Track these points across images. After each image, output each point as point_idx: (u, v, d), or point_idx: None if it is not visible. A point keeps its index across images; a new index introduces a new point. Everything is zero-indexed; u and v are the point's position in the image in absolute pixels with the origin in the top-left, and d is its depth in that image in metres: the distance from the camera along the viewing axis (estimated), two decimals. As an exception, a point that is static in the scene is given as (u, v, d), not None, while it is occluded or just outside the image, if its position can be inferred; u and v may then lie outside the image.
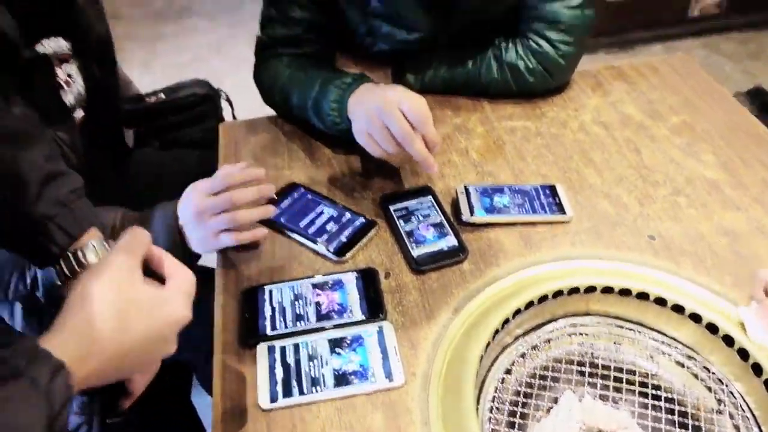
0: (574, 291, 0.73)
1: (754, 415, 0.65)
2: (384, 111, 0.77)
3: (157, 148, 1.22)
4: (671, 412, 0.66)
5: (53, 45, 0.85)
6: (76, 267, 0.60)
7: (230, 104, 1.34)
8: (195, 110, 1.27)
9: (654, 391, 0.69)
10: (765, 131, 0.95)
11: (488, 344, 0.67)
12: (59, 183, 0.61)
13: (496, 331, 0.68)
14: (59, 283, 0.61)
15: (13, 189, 0.58)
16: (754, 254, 0.77)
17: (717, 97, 1.04)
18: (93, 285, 0.46)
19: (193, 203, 0.77)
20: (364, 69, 1.02)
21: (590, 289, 0.73)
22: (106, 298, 0.45)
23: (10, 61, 0.76)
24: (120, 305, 0.46)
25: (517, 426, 0.65)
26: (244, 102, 1.29)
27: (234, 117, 1.33)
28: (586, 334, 0.74)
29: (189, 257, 0.79)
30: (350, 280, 0.75)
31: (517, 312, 0.71)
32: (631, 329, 0.73)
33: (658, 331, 0.72)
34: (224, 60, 2.65)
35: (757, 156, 0.91)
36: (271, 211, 0.79)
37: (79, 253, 0.60)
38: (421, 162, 0.79)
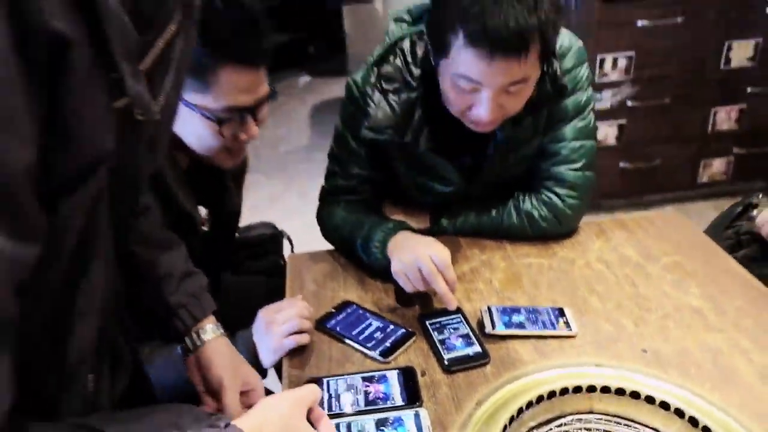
0: (577, 389, 0.88)
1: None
2: (418, 258, 1.01)
3: (229, 276, 1.45)
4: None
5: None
6: (198, 343, 0.80)
7: (290, 242, 1.58)
8: (262, 246, 1.52)
9: (648, 477, 0.81)
10: (741, 270, 1.13)
11: (505, 428, 0.82)
12: (192, 279, 0.84)
13: (512, 419, 0.84)
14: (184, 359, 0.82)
15: (159, 281, 0.80)
16: (732, 366, 0.91)
17: (703, 244, 1.23)
18: (274, 406, 0.65)
19: (266, 318, 0.99)
20: (408, 214, 1.27)
21: (591, 389, 0.88)
22: (280, 416, 0.64)
23: (191, 235, 1.01)
24: (286, 423, 0.64)
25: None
26: (296, 243, 1.58)
27: (292, 252, 1.57)
28: (590, 429, 0.88)
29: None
30: (393, 375, 0.92)
31: (530, 404, 0.86)
32: (627, 425, 0.87)
33: (651, 427, 0.86)
34: (277, 210, 2.97)
35: (734, 289, 1.08)
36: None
37: (201, 332, 0.81)
38: (442, 296, 1.00)
